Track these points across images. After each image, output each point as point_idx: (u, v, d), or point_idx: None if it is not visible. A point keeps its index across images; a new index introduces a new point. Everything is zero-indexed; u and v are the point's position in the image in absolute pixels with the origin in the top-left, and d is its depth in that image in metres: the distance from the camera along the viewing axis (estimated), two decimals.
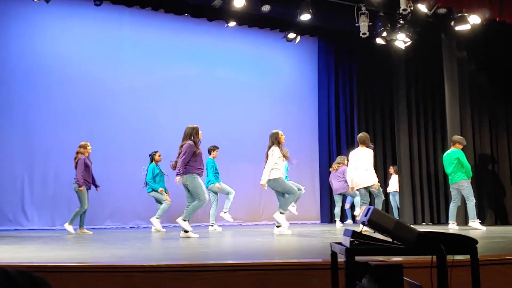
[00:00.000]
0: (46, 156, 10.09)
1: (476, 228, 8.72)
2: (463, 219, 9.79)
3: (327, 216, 12.49)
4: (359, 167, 8.64)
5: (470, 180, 9.15)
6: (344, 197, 11.41)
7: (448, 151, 9.50)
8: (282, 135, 8.23)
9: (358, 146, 8.89)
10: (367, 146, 8.75)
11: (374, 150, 9.10)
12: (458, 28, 10.04)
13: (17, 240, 6.69)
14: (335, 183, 11.08)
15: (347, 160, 10.60)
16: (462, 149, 9.35)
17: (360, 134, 9.04)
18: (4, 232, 8.60)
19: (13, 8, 10.09)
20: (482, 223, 9.27)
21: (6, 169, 9.72)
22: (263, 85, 12.36)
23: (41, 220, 9.91)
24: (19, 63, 10.07)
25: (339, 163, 11.17)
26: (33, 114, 10.08)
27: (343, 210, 11.55)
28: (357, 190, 9.04)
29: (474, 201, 9.00)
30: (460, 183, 9.07)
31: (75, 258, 4.40)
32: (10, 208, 9.69)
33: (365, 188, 8.70)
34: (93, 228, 9.90)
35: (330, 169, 11.54)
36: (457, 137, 9.56)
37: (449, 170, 9.27)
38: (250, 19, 11.28)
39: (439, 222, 11.42)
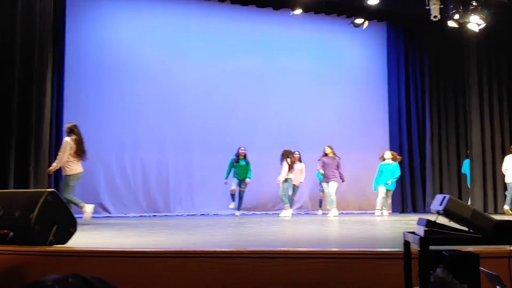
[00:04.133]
0: (117, 146, 10.40)
1: None
2: None
3: (398, 206, 12.21)
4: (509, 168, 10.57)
5: None
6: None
7: None
8: None
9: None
10: None
11: None
12: None
13: (93, 227, 6.97)
14: None
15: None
16: None
17: None
18: (81, 220, 8.96)
19: (84, 3, 10.43)
20: None
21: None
22: (331, 73, 12.20)
23: (116, 208, 10.25)
24: (90, 56, 10.38)
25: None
26: (105, 105, 10.37)
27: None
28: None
29: None
30: None
31: (149, 244, 4.55)
32: (86, 198, 10.07)
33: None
34: (165, 215, 10.19)
35: None
36: None
37: None
38: (316, 6, 11.15)
39: None
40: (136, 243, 4.68)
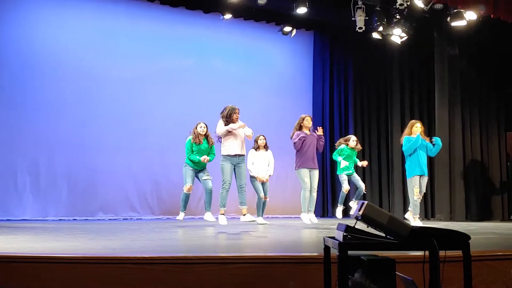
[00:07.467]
0: (38, 146, 9.99)
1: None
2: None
3: (319, 210, 12.44)
4: None
5: None
6: None
7: None
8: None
9: None
10: None
11: None
12: (454, 24, 10.03)
13: (10, 230, 6.66)
14: None
15: None
16: None
17: None
18: None
19: None
20: (467, 219, 10.47)
21: None
22: (258, 78, 12.30)
23: (34, 210, 9.83)
24: (11, 52, 9.91)
25: None
26: (25, 103, 9.95)
27: None
28: None
29: None
30: None
31: (67, 249, 4.39)
32: (2, 198, 9.62)
33: None
34: (85, 220, 9.88)
35: None
36: None
37: None
38: (246, 12, 11.23)
39: (432, 216, 11.50)
40: (53, 248, 4.51)
